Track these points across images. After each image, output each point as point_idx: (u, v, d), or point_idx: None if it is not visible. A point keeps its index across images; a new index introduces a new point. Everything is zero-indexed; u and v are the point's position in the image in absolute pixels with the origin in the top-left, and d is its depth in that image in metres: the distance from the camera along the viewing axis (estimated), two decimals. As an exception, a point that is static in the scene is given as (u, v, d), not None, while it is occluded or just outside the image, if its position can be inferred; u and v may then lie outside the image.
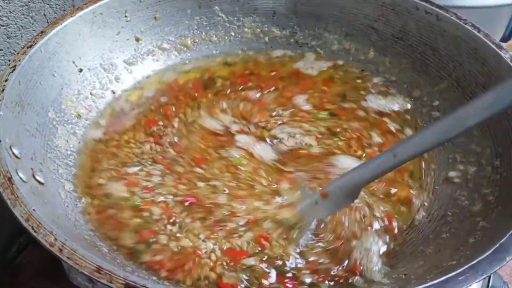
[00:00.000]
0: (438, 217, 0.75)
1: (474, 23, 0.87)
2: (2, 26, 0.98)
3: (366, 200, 0.76)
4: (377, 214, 0.75)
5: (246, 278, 0.65)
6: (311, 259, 0.68)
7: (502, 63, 0.80)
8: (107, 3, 0.94)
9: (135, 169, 0.80)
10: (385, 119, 0.91)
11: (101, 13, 0.93)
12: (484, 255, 0.55)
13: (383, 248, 0.71)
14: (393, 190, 0.79)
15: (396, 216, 0.76)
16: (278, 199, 0.75)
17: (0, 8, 0.96)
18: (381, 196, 0.78)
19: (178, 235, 0.70)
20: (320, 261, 0.68)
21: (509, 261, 0.55)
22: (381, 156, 0.65)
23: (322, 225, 0.72)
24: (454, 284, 0.52)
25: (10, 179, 0.60)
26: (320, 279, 0.66)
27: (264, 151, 0.82)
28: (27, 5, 1.00)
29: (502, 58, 0.80)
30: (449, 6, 0.92)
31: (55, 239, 0.54)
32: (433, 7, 0.92)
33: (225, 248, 0.68)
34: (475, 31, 0.85)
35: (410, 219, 0.76)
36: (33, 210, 0.57)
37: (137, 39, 1.01)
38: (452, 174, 0.81)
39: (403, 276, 0.65)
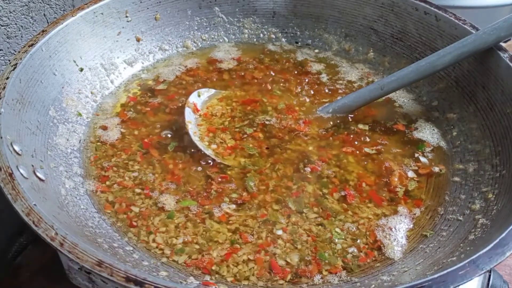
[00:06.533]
0: (438, 215, 0.75)
1: (473, 23, 0.88)
2: (2, 26, 0.98)
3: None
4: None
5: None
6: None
7: (501, 63, 0.81)
8: (108, 3, 0.95)
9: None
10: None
11: (102, 13, 0.94)
12: (484, 250, 0.55)
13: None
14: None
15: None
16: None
17: (0, 8, 0.96)
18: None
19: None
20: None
21: (509, 256, 0.55)
22: (370, 87, 0.90)
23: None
24: (454, 279, 0.52)
25: (11, 174, 0.60)
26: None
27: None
28: (27, 5, 1.00)
29: (501, 58, 0.81)
30: (448, 7, 0.93)
31: (56, 233, 0.54)
32: (432, 8, 0.93)
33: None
34: (473, 31, 0.85)
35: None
36: (34, 205, 0.57)
37: (138, 39, 1.01)
38: (452, 172, 0.81)
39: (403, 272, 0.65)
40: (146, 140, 0.86)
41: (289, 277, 0.67)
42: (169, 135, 0.87)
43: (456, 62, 0.84)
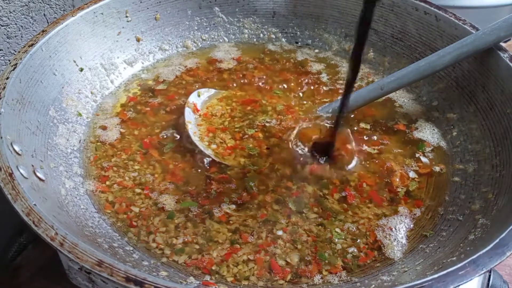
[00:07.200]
0: (438, 215, 0.75)
1: (473, 23, 0.88)
2: (2, 26, 0.98)
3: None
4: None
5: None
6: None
7: (501, 63, 0.81)
8: (108, 3, 0.95)
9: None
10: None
11: (102, 13, 0.94)
12: (484, 250, 0.55)
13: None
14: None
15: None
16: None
17: (0, 8, 0.96)
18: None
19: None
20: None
21: (509, 256, 0.55)
22: (370, 87, 0.90)
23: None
24: (454, 279, 0.52)
25: (11, 174, 0.60)
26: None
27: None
28: (27, 5, 1.00)
29: (501, 58, 0.81)
30: (448, 7, 0.93)
31: (56, 233, 0.54)
32: (432, 8, 0.93)
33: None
34: (473, 31, 0.85)
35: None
36: (34, 205, 0.57)
37: (138, 39, 1.01)
38: (452, 172, 0.81)
39: (403, 272, 0.65)
40: (146, 140, 0.86)
41: (289, 277, 0.67)
42: (169, 135, 0.87)
43: (456, 62, 0.83)
